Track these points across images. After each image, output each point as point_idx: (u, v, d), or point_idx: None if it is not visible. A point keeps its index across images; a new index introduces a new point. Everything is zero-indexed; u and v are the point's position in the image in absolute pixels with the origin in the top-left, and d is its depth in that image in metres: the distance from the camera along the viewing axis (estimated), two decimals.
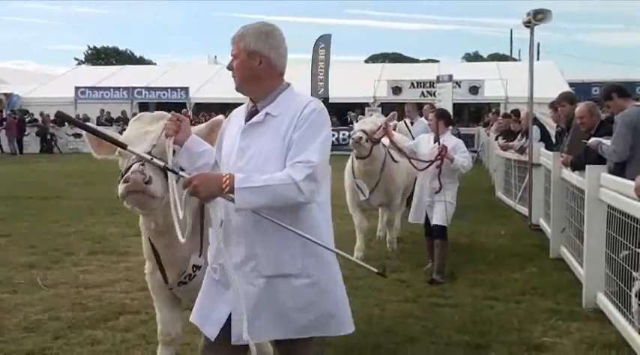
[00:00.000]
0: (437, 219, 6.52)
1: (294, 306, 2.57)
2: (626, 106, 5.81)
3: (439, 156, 6.38)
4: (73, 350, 4.47)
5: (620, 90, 6.12)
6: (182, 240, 2.64)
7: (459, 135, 13.48)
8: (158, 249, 3.42)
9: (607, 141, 5.73)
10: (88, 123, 3.44)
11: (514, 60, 45.07)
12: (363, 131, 6.93)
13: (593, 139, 6.04)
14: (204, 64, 42.96)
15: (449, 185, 6.50)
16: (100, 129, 2.97)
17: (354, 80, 27.90)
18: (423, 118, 10.62)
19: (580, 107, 6.76)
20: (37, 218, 10.06)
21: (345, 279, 2.78)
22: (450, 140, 6.56)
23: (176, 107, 27.98)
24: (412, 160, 6.69)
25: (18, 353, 4.42)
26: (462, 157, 6.45)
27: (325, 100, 25.76)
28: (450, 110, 18.67)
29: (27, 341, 4.61)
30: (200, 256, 3.32)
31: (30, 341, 4.61)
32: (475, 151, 21.85)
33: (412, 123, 10.93)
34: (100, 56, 59.63)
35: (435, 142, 6.52)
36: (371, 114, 12.72)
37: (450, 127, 6.85)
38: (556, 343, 4.68)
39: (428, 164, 6.50)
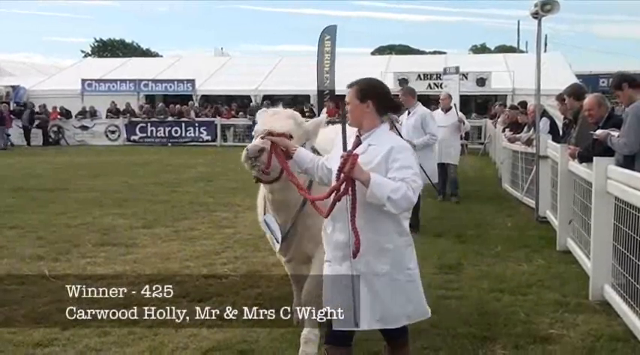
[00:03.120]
0: (385, 318, 3.43)
1: None
2: (636, 98, 5.73)
3: (341, 177, 3.12)
4: (81, 341, 4.52)
5: (632, 81, 6.00)
6: None
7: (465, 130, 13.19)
8: None
9: (615, 133, 5.67)
10: None
11: (521, 51, 44.81)
12: (270, 133, 3.69)
13: (600, 131, 5.97)
14: (210, 56, 42.90)
15: (386, 241, 3.26)
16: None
17: (361, 72, 27.42)
18: (421, 106, 8.89)
19: (588, 99, 6.69)
20: (44, 210, 10.10)
21: None
22: (382, 142, 3.28)
23: (183, 99, 28.19)
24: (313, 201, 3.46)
25: (27, 344, 4.48)
26: (398, 173, 3.14)
27: (331, 92, 25.79)
28: (457, 102, 18.66)
29: (35, 332, 4.66)
30: None
31: (38, 332, 4.66)
32: (482, 143, 21.81)
33: (409, 113, 8.67)
34: (106, 48, 59.66)
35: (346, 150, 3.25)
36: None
37: (396, 116, 3.87)
38: (562, 335, 4.67)
39: (332, 200, 3.23)
